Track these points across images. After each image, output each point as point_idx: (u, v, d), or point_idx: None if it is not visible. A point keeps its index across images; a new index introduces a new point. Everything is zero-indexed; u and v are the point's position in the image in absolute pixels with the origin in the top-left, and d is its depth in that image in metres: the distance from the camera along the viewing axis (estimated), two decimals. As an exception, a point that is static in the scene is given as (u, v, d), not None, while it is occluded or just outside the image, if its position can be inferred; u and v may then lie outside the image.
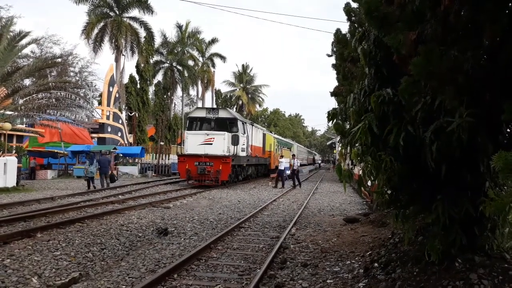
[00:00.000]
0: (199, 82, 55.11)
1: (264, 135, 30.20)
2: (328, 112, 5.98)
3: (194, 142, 20.90)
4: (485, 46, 3.48)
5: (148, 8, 39.74)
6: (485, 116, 3.54)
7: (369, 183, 5.14)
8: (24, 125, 23.32)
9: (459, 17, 3.29)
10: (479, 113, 3.44)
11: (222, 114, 22.32)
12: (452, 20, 3.28)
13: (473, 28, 3.36)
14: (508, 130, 4.02)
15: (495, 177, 4.10)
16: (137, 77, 39.86)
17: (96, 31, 39.18)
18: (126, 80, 39.93)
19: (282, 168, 22.88)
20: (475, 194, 4.08)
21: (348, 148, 5.01)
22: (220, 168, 20.24)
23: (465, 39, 3.42)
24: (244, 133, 23.31)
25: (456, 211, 4.04)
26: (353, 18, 6.15)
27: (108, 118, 31.53)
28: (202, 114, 22.46)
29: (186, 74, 50.35)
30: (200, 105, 52.86)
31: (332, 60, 7.16)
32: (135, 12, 40.69)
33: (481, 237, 4.36)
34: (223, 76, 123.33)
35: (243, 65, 68.18)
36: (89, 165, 17.89)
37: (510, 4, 3.24)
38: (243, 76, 67.42)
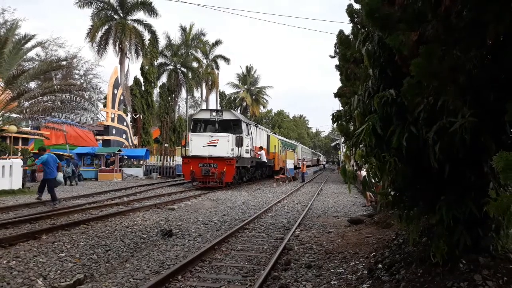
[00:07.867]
0: (203, 84, 55.32)
1: (268, 136, 30.16)
2: (333, 114, 6.00)
3: (198, 144, 20.91)
4: (487, 46, 3.47)
5: (152, 11, 40.03)
6: (488, 116, 3.53)
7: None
8: (30, 127, 23.45)
9: (460, 17, 3.28)
10: (482, 113, 3.42)
11: (226, 115, 22.30)
12: (453, 20, 3.27)
13: (475, 28, 3.35)
14: (512, 130, 4.00)
15: (499, 178, 4.07)
16: (141, 79, 39.97)
17: (100, 34, 39.55)
18: (130, 82, 40.09)
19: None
20: (479, 194, 4.04)
21: (353, 149, 5.01)
22: (225, 169, 20.23)
23: (467, 39, 3.41)
24: (248, 134, 23.29)
25: (460, 212, 4.02)
26: (356, 19, 6.14)
27: (112, 120, 31.66)
28: (206, 115, 22.46)
29: (190, 76, 50.56)
30: (204, 107, 53.02)
31: (336, 61, 7.15)
32: (139, 15, 41.06)
33: (486, 237, 4.34)
34: (227, 78, 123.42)
35: (247, 67, 68.41)
36: (66, 166, 21.31)
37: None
38: (247, 78, 67.52)
